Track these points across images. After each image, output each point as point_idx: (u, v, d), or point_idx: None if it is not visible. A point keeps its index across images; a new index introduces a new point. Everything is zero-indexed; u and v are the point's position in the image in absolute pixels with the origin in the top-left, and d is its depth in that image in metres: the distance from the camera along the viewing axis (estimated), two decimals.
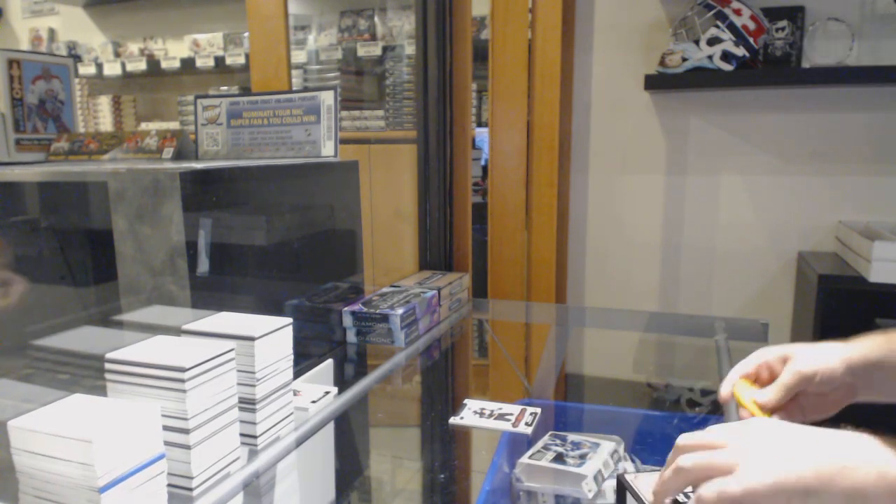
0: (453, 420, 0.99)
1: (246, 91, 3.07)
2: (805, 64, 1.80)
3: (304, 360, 1.04)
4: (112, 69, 3.41)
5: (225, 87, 3.28)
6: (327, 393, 0.97)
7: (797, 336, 1.84)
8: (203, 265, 0.91)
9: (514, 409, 1.01)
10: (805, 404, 0.73)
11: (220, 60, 3.15)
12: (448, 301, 1.51)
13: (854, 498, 0.50)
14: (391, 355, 1.26)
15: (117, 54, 3.50)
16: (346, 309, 1.30)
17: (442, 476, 0.94)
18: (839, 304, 1.59)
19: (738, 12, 1.74)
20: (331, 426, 0.96)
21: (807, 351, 0.72)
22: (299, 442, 0.88)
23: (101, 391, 0.70)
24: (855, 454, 0.52)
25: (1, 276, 1.02)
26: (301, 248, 1.18)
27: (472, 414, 1.00)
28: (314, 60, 2.92)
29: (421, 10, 1.63)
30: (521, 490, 0.84)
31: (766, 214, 1.94)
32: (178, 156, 1.32)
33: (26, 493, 0.61)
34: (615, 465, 0.85)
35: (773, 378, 0.73)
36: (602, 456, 0.85)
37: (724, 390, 0.75)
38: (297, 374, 0.92)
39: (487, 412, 1.00)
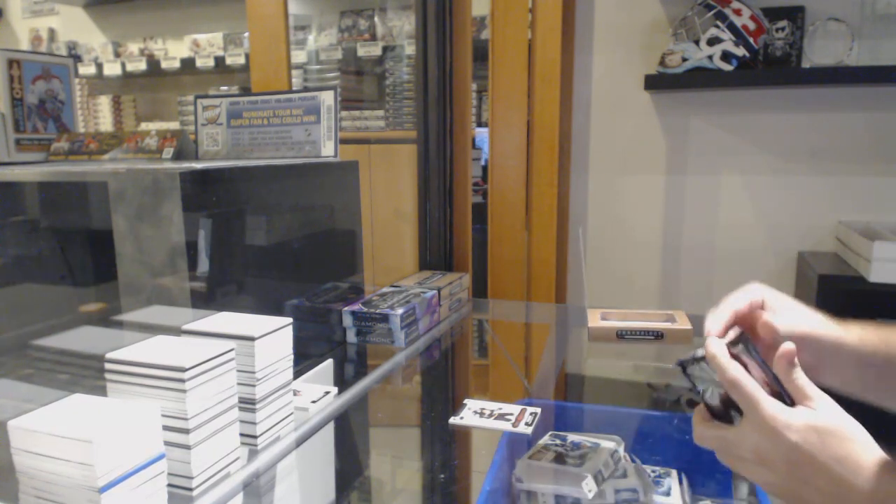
0: (453, 420, 0.99)
1: (246, 91, 3.07)
2: (805, 64, 1.80)
3: (304, 360, 1.04)
4: (112, 69, 3.41)
5: (225, 87, 3.28)
6: (327, 393, 0.97)
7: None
8: (203, 265, 0.91)
9: (514, 409, 1.01)
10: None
11: (220, 60, 3.15)
12: (448, 301, 1.51)
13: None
14: (391, 355, 1.26)
15: (117, 54, 3.50)
16: (346, 309, 1.30)
17: (442, 476, 0.94)
18: (839, 304, 1.59)
19: (738, 12, 1.74)
20: (331, 426, 0.96)
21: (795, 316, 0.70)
22: (299, 442, 0.88)
23: (101, 391, 0.70)
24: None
25: None
26: (301, 248, 1.18)
27: (472, 414, 1.00)
28: (314, 60, 2.92)
29: (421, 10, 1.63)
30: (521, 490, 0.84)
31: (766, 214, 1.94)
32: (178, 156, 1.32)
33: (26, 493, 0.61)
34: (615, 465, 0.85)
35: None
36: (602, 456, 0.85)
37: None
38: (297, 374, 0.92)
39: (487, 412, 1.00)
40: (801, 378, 0.60)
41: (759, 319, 0.68)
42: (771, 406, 0.58)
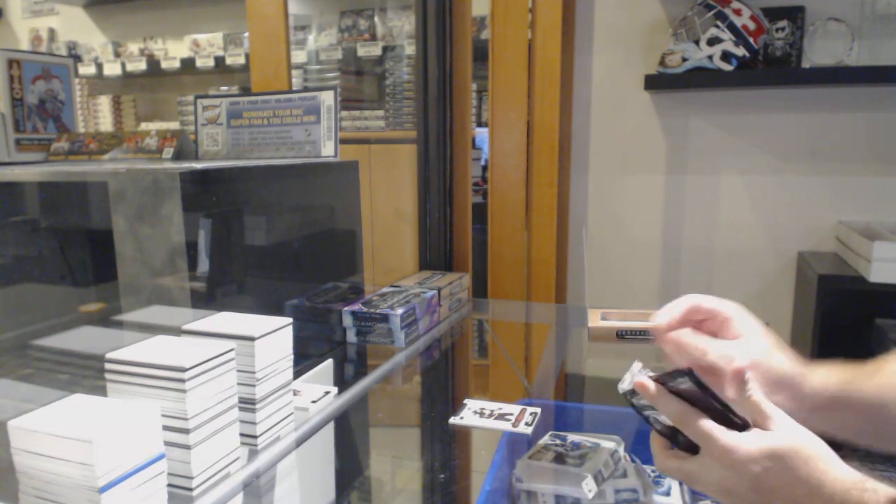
0: (453, 420, 0.99)
1: (246, 91, 3.07)
2: (805, 64, 1.80)
3: (304, 360, 1.04)
4: (112, 69, 3.41)
5: (225, 87, 3.28)
6: (327, 393, 0.97)
7: (797, 336, 1.84)
8: (203, 265, 0.91)
9: (514, 409, 1.01)
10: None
11: (220, 60, 3.15)
12: (448, 301, 1.51)
13: None
14: (391, 355, 1.26)
15: (117, 54, 3.50)
16: (346, 309, 1.30)
17: (442, 476, 0.94)
18: (839, 304, 1.59)
19: (738, 12, 1.74)
20: (331, 426, 0.96)
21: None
22: (299, 442, 0.88)
23: (101, 391, 0.70)
24: None
25: None
26: (301, 248, 1.18)
27: (472, 414, 1.00)
28: (314, 60, 2.92)
29: (421, 10, 1.63)
30: (521, 490, 0.84)
31: (766, 214, 1.94)
32: (178, 156, 1.32)
33: (26, 493, 0.61)
34: (615, 465, 0.85)
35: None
36: (602, 456, 0.85)
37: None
38: (297, 374, 0.92)
39: (487, 412, 1.00)
40: (756, 395, 0.60)
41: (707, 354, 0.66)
42: (727, 439, 0.57)
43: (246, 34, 3.10)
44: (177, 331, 0.79)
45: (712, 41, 1.75)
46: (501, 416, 0.98)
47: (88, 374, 0.90)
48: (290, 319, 0.84)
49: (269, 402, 0.82)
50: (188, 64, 3.20)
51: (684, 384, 0.58)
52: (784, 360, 0.68)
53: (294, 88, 2.33)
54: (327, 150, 1.29)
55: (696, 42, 1.77)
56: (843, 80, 1.73)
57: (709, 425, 0.58)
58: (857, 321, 1.62)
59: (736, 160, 1.95)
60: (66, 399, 0.64)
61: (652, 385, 0.62)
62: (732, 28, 1.73)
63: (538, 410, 1.00)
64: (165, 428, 0.67)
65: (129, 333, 0.90)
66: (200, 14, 3.37)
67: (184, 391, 0.67)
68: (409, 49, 2.72)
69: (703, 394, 0.58)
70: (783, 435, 0.57)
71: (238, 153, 1.36)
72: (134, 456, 0.61)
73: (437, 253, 1.73)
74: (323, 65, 2.90)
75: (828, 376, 0.68)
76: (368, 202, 2.09)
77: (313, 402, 0.93)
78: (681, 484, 0.88)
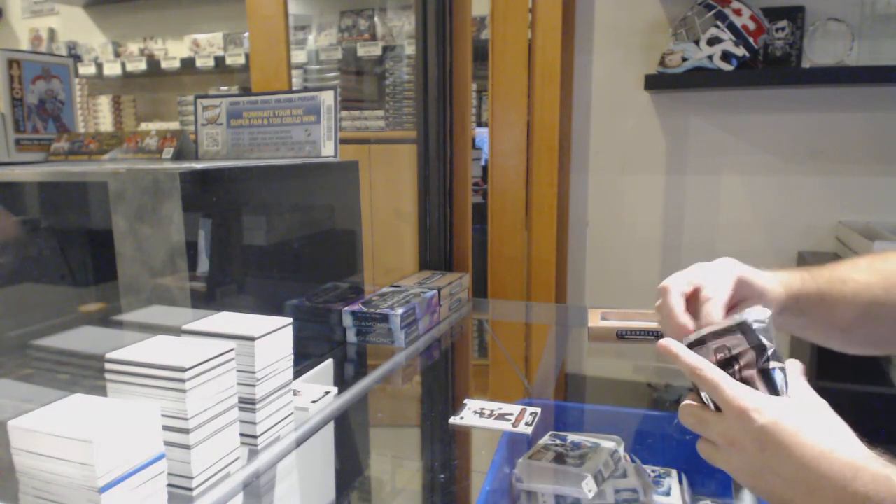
0: (453, 420, 0.99)
1: (246, 91, 3.07)
2: (805, 64, 1.80)
3: (304, 360, 1.04)
4: (112, 69, 3.41)
5: (225, 87, 3.28)
6: (327, 393, 0.97)
7: (795, 335, 1.84)
8: (203, 265, 0.91)
9: (514, 409, 1.01)
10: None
11: (220, 60, 3.15)
12: (448, 301, 1.51)
13: None
14: (391, 355, 1.26)
15: (117, 54, 3.50)
16: (346, 309, 1.30)
17: (442, 476, 0.94)
18: None
19: (738, 12, 1.74)
20: (331, 426, 0.96)
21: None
22: (299, 442, 0.88)
23: (101, 391, 0.70)
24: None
25: None
26: (301, 248, 1.18)
27: (472, 414, 1.00)
28: (314, 60, 2.92)
29: (421, 10, 1.63)
30: (521, 490, 0.84)
31: (766, 214, 1.94)
32: (178, 156, 1.32)
33: (26, 493, 0.61)
34: (615, 465, 0.85)
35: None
36: (602, 456, 0.85)
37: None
38: (297, 374, 0.92)
39: (487, 412, 1.00)
40: (799, 378, 0.60)
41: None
42: (735, 388, 0.58)
43: (246, 34, 3.10)
44: (177, 331, 0.80)
45: (712, 41, 1.75)
46: (501, 416, 0.98)
47: (88, 374, 0.91)
48: (290, 319, 0.84)
49: (269, 402, 0.82)
50: (188, 64, 3.20)
51: (735, 342, 0.60)
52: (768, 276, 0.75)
53: (294, 88, 2.33)
54: (327, 150, 1.29)
55: (696, 42, 1.77)
56: (843, 80, 1.73)
57: (719, 375, 0.59)
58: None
59: (736, 160, 1.95)
60: (66, 399, 0.64)
61: (672, 347, 0.64)
62: (732, 28, 1.73)
63: (538, 410, 1.00)
64: (165, 428, 0.67)
65: (129, 333, 0.90)
66: (200, 14, 3.37)
67: (184, 391, 0.67)
68: (409, 49, 2.72)
69: (753, 351, 0.59)
70: (803, 403, 0.57)
71: (238, 153, 1.36)
72: (134, 456, 0.61)
73: (437, 253, 1.73)
74: (323, 65, 2.90)
75: (802, 282, 0.77)
76: (368, 202, 2.09)
77: (313, 402, 0.93)
78: (680, 483, 0.88)
